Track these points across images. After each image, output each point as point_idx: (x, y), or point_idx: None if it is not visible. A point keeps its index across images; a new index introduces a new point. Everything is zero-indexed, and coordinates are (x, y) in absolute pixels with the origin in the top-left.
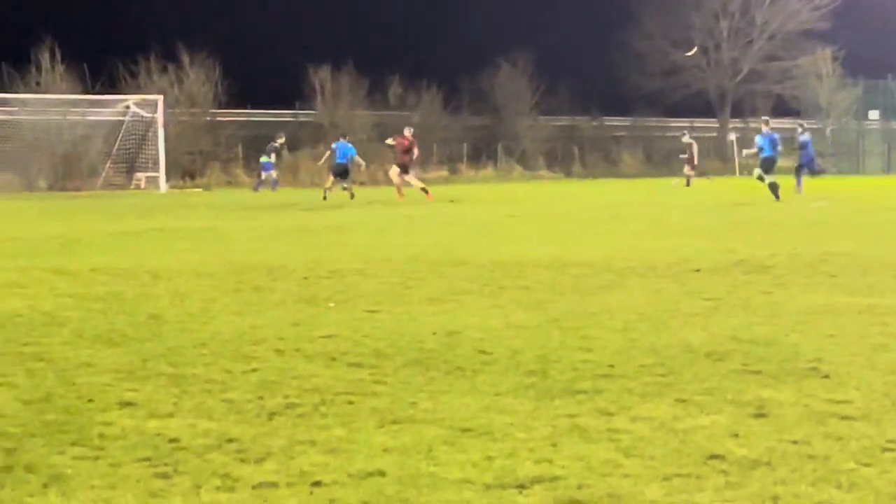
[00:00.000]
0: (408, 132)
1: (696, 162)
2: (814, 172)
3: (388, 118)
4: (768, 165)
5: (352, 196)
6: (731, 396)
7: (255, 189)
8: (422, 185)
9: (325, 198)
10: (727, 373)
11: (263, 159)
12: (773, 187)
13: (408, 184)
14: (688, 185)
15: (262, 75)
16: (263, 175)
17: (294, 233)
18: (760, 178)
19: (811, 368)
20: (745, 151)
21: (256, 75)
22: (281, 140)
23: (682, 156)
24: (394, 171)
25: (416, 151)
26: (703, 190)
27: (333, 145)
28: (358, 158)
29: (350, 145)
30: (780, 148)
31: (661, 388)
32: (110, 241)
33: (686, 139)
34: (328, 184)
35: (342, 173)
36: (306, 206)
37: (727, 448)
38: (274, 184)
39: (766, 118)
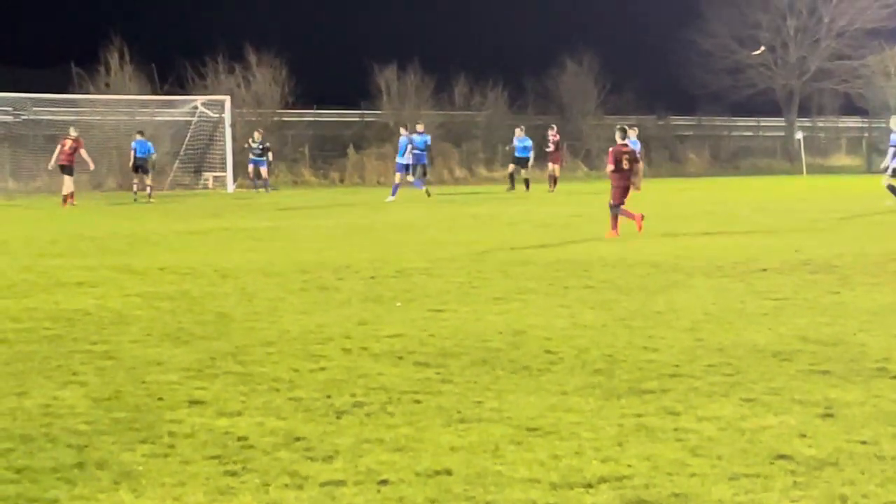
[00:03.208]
0: (73, 132)
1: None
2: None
3: (454, 118)
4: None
5: (150, 196)
6: (798, 396)
7: (265, 189)
8: (70, 191)
9: (135, 199)
10: (794, 373)
11: (257, 157)
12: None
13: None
14: None
15: (329, 75)
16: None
17: (360, 232)
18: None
19: (879, 368)
20: None
21: (323, 75)
22: (258, 135)
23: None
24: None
25: (82, 152)
26: (772, 189)
27: (133, 143)
28: (154, 157)
29: (148, 143)
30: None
31: (727, 387)
32: (178, 241)
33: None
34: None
35: (141, 168)
36: (372, 205)
37: (795, 448)
38: (264, 183)
39: (521, 127)
